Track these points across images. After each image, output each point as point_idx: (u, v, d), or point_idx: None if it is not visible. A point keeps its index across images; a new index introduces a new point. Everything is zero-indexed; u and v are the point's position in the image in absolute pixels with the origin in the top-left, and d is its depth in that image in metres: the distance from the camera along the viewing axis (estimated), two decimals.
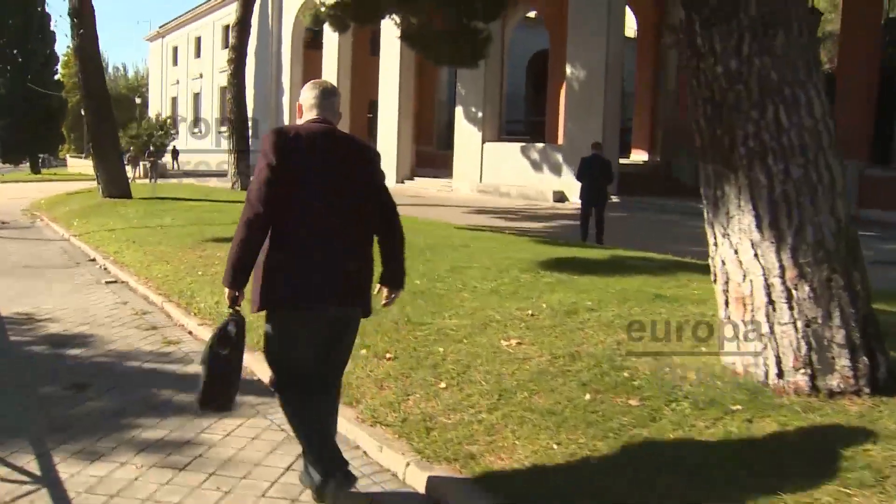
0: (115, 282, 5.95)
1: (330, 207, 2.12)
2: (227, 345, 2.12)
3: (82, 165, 37.23)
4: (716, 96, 2.55)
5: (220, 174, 23.65)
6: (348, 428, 2.69)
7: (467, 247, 5.97)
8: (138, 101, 42.01)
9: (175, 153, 26.03)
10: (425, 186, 19.04)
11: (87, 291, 5.47)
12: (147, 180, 21.84)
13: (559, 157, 15.64)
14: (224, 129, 34.24)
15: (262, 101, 28.67)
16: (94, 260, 7.21)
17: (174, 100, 39.59)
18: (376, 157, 2.26)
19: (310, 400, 2.17)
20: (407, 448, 2.47)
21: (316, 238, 2.10)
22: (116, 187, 12.80)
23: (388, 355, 3.28)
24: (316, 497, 2.20)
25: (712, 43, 2.56)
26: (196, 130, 39.13)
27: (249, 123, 16.57)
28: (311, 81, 2.34)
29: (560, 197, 15.08)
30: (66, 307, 4.87)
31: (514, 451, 2.30)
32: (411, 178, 20.33)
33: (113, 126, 13.26)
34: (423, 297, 4.09)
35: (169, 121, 33.15)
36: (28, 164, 36.57)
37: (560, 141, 16.86)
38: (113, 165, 12.79)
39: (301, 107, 2.30)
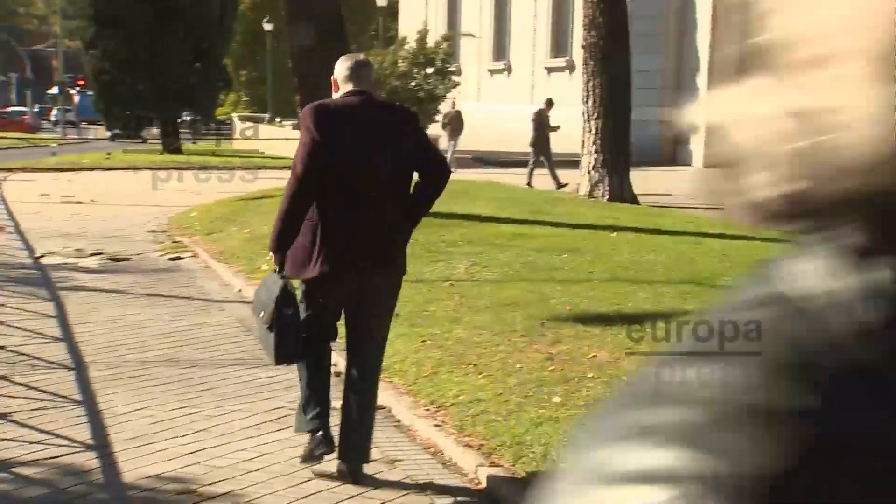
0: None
1: (368, 177, 4.37)
2: (290, 304, 4.44)
3: (267, 136, 41.44)
4: None
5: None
6: None
7: None
8: (381, 1, 42.02)
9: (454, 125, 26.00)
10: None
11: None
12: None
13: None
14: (562, 63, 37.90)
15: (648, 16, 28.70)
16: None
17: (453, 1, 43.15)
18: (412, 118, 4.78)
19: (322, 363, 4.66)
20: None
21: (351, 207, 4.35)
22: None
23: None
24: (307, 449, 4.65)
25: None
26: (501, 65, 42.17)
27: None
28: (345, 56, 4.76)
29: None
30: (272, 472, 4.71)
31: None
32: None
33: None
34: None
35: (445, 46, 34.38)
36: (160, 132, 39.40)
37: None
38: None
39: (336, 81, 4.60)
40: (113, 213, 16.65)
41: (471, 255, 10.03)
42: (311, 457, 4.65)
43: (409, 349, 6.76)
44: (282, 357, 4.59)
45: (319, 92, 13.24)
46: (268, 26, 51.30)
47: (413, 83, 31.54)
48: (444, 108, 31.22)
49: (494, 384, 5.76)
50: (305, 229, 4.44)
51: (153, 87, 36.47)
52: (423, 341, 6.91)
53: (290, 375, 6.61)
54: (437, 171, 4.66)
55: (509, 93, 39.22)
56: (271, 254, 4.55)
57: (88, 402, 5.94)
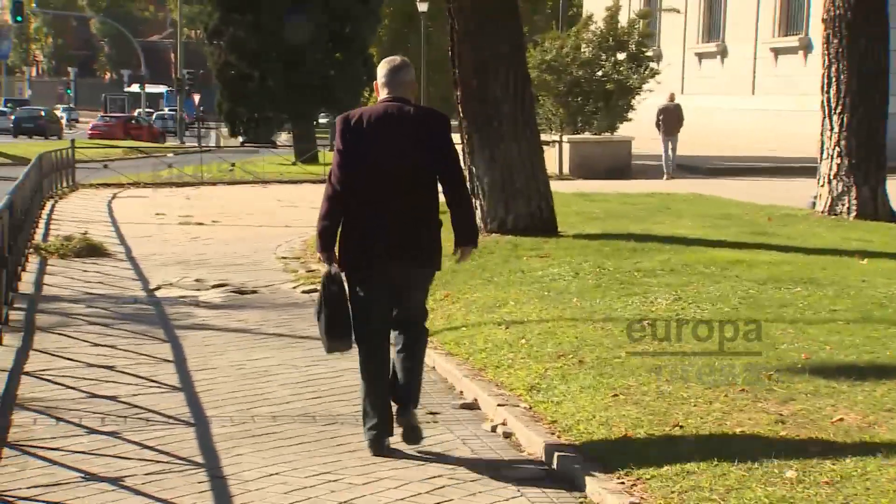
0: None
1: (393, 180, 6.15)
2: (335, 281, 6.26)
3: None
4: None
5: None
6: None
7: None
8: None
9: None
10: None
11: None
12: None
13: None
14: (794, 42, 36.12)
15: None
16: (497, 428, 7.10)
17: None
18: (440, 125, 6.36)
19: (378, 355, 6.37)
20: None
21: (378, 209, 6.16)
22: (521, 206, 13.63)
23: None
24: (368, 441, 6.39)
25: None
26: (713, 47, 42.24)
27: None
28: (384, 59, 6.50)
29: None
30: None
31: None
32: None
33: (519, 51, 14.05)
34: None
35: (642, 25, 33.42)
36: (292, 137, 42.24)
37: None
38: (517, 152, 13.53)
39: (377, 85, 6.42)
40: (238, 236, 17.31)
41: (674, 287, 9.93)
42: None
43: (596, 405, 6.75)
44: (332, 335, 6.32)
45: (486, 86, 13.52)
46: (422, 6, 52.32)
47: (600, 72, 31.34)
48: (649, 102, 30.83)
49: (708, 452, 5.65)
50: (343, 227, 6.30)
51: (286, 82, 37.42)
52: (615, 395, 6.90)
53: (448, 437, 6.72)
54: (451, 179, 6.35)
55: (723, 82, 38.60)
56: (318, 253, 6.45)
57: (211, 465, 6.16)
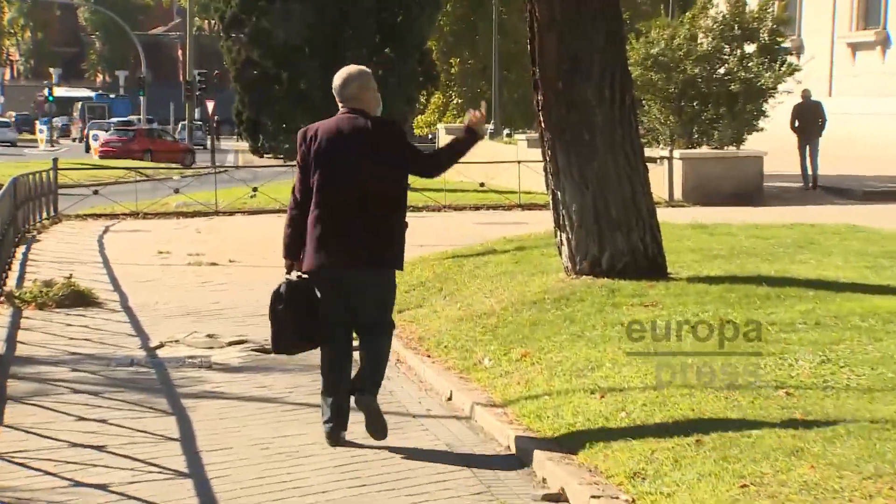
0: None
1: (349, 189, 8.58)
2: (279, 302, 8.89)
3: (487, 160, 42.50)
4: None
5: None
6: None
7: None
8: None
9: None
10: None
11: None
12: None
13: None
14: None
15: None
16: None
17: None
18: (395, 132, 8.97)
19: (339, 357, 8.87)
20: None
21: (336, 216, 8.59)
22: (620, 240, 13.68)
23: None
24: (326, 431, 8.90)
25: None
26: (871, 36, 42.07)
27: None
28: (339, 71, 8.89)
29: None
30: None
31: None
32: None
33: (617, 44, 14.30)
34: None
35: (776, 9, 33.47)
36: None
37: None
38: (614, 171, 13.72)
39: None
40: (260, 279, 17.39)
41: (820, 345, 9.91)
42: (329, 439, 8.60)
43: (720, 498, 6.76)
44: (278, 347, 8.99)
45: (575, 88, 13.58)
46: None
47: (722, 69, 31.31)
48: (785, 106, 30.73)
49: None
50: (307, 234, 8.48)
51: (321, 85, 37.68)
52: (744, 486, 6.90)
53: None
54: (421, 165, 8.88)
55: (885, 81, 38.32)
56: (284, 259, 8.78)
57: None
